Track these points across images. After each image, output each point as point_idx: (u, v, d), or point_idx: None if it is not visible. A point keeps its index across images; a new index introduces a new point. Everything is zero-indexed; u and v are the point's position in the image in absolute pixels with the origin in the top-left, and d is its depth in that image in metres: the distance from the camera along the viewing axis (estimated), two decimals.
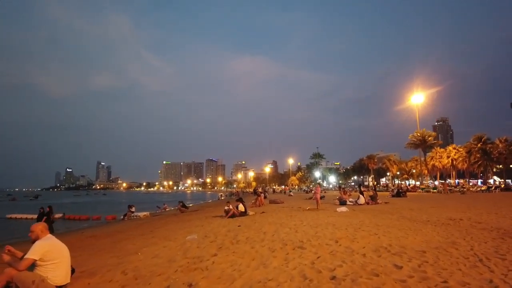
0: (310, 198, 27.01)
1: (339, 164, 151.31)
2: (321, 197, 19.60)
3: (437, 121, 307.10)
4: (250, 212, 15.19)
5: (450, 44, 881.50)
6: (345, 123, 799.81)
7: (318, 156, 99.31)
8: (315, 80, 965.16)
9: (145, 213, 25.91)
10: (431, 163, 65.29)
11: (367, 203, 18.62)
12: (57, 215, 25.65)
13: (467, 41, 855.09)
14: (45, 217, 15.14)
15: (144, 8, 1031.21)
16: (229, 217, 13.82)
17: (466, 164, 61.67)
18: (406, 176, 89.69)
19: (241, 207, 14.55)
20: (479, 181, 72.06)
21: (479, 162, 58.98)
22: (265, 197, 31.83)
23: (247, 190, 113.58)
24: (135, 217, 23.50)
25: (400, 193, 29.65)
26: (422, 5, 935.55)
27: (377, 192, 22.06)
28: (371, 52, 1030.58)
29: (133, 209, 24.23)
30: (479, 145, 58.14)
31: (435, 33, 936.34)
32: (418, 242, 6.08)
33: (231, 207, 14.49)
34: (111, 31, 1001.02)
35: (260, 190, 44.02)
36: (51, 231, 15.04)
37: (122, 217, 23.62)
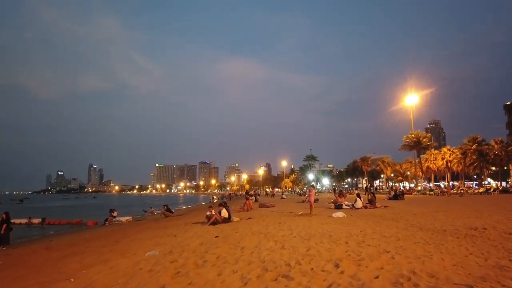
0: (303, 202, 25.40)
1: (332, 167, 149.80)
2: (315, 200, 17.95)
3: (430, 124, 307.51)
4: (235, 218, 13.50)
5: (443, 47, 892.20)
6: (338, 126, 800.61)
7: (311, 158, 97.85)
8: (307, 82, 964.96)
9: (127, 217, 25.11)
10: (426, 165, 64.09)
11: (365, 207, 17.27)
12: (35, 220, 24.21)
13: (459, 44, 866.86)
14: (5, 225, 13.86)
15: (135, 10, 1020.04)
16: (210, 224, 12.13)
17: (461, 166, 60.50)
18: (400, 178, 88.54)
19: (224, 213, 12.84)
20: (474, 183, 71.20)
21: (475, 164, 57.96)
22: (256, 200, 30.24)
23: (240, 192, 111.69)
24: (116, 222, 23.14)
25: (397, 195, 28.29)
26: (415, 8, 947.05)
27: (375, 195, 20.59)
28: (363, 54, 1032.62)
29: (114, 214, 23.85)
30: (474, 146, 57.08)
31: (428, 35, 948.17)
32: (450, 266, 4.27)
33: (213, 212, 12.80)
34: (101, 32, 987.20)
35: (251, 192, 42.30)
36: (7, 240, 13.61)
37: (103, 222, 22.76)
